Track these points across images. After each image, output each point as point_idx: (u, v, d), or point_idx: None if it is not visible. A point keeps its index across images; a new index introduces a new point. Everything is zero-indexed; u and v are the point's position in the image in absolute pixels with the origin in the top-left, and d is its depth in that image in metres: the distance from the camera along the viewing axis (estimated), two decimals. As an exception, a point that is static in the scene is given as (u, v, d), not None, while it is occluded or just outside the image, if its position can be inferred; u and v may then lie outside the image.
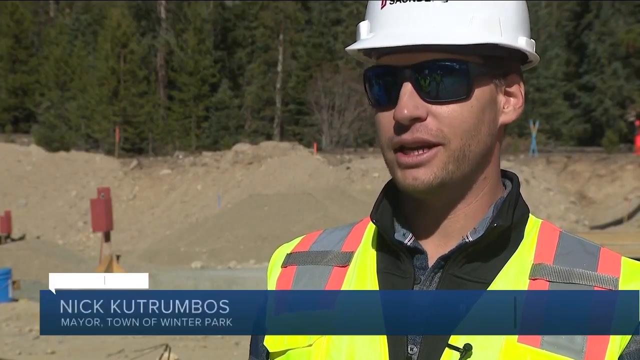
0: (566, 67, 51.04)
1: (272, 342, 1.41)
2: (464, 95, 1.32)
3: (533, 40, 1.40)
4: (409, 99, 1.31)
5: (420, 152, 1.31)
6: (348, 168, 36.98)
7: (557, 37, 51.63)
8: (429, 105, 1.31)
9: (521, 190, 1.42)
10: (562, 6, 53.70)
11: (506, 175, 1.43)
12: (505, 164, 35.74)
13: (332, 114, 48.04)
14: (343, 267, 1.41)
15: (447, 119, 1.31)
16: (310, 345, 1.35)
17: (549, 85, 49.25)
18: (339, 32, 51.75)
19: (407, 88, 1.31)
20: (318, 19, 53.09)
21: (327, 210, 29.81)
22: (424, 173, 1.31)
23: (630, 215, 32.26)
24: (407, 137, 1.31)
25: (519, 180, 1.43)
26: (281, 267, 1.46)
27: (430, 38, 1.29)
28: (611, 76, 48.83)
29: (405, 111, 1.30)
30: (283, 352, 1.39)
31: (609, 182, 36.22)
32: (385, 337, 1.31)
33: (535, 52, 1.41)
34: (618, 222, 32.09)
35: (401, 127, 1.31)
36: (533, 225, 1.40)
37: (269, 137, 50.03)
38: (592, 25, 50.90)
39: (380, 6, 1.35)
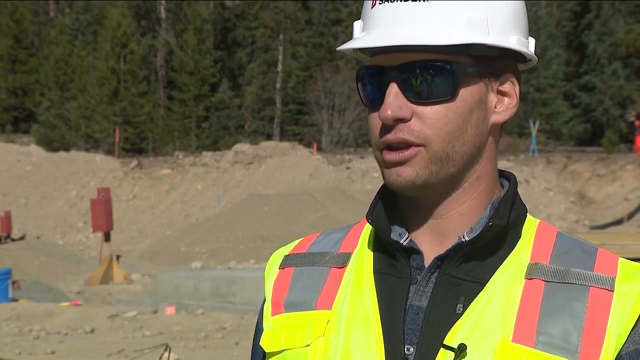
0: (566, 67, 51.08)
1: (268, 343, 1.41)
2: (449, 95, 1.31)
3: (531, 39, 1.39)
4: (393, 99, 1.31)
5: (403, 150, 1.31)
6: (348, 168, 36.98)
7: (557, 37, 51.64)
8: (414, 105, 1.31)
9: (521, 190, 1.41)
10: (562, 6, 53.74)
11: (503, 175, 1.43)
12: (505, 164, 35.69)
13: (332, 114, 48.05)
14: (340, 268, 1.41)
15: (430, 120, 1.31)
16: (308, 346, 1.35)
17: (549, 85, 49.26)
18: (339, 32, 51.77)
19: (393, 88, 1.31)
20: (318, 19, 53.12)
21: (327, 210, 29.81)
22: (406, 171, 1.31)
23: (630, 215, 32.25)
24: (390, 137, 1.31)
25: (517, 180, 1.42)
26: (279, 268, 1.46)
27: (413, 38, 1.29)
28: (611, 76, 48.85)
29: (389, 112, 1.30)
30: (279, 352, 1.39)
31: (609, 182, 36.20)
32: (381, 337, 1.31)
33: (535, 51, 1.40)
34: (618, 222, 32.09)
35: (386, 127, 1.32)
36: (530, 225, 1.39)
37: (269, 137, 50.05)
38: (592, 25, 50.94)
39: (370, 6, 1.35)
